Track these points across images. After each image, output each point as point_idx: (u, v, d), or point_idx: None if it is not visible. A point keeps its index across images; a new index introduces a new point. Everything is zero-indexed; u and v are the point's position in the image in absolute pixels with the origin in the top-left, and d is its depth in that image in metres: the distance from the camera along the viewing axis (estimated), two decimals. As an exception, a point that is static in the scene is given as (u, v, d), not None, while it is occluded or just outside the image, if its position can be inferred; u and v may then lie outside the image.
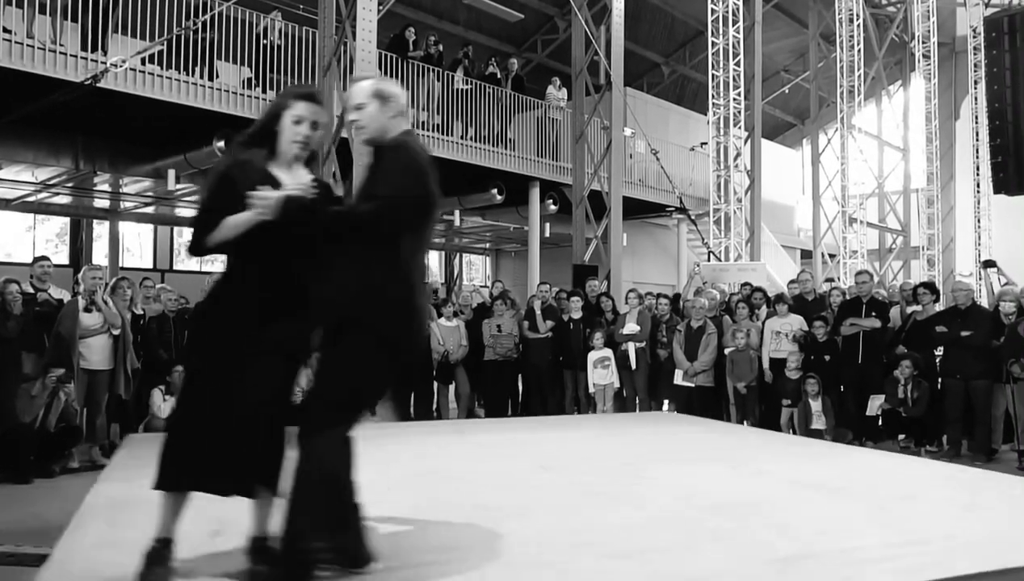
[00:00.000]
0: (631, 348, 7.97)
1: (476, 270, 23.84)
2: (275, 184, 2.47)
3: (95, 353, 6.37)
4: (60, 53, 8.09)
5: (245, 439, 2.42)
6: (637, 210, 15.29)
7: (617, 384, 7.97)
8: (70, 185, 12.00)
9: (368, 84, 2.59)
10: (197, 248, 2.49)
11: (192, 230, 2.51)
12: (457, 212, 14.21)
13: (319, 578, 2.38)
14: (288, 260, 2.49)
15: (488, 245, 22.07)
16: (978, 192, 18.42)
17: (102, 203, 14.16)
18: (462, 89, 12.49)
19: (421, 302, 2.58)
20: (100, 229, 15.76)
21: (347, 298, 2.44)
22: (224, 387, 2.42)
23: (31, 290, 6.40)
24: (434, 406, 8.25)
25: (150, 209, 14.70)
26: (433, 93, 12.02)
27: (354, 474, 2.46)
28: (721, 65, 13.24)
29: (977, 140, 17.86)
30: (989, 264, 12.47)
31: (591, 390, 7.97)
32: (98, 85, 7.64)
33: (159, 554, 2.41)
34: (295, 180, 2.53)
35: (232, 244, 2.44)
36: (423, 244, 2.64)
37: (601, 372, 7.91)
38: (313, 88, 2.86)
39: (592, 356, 7.96)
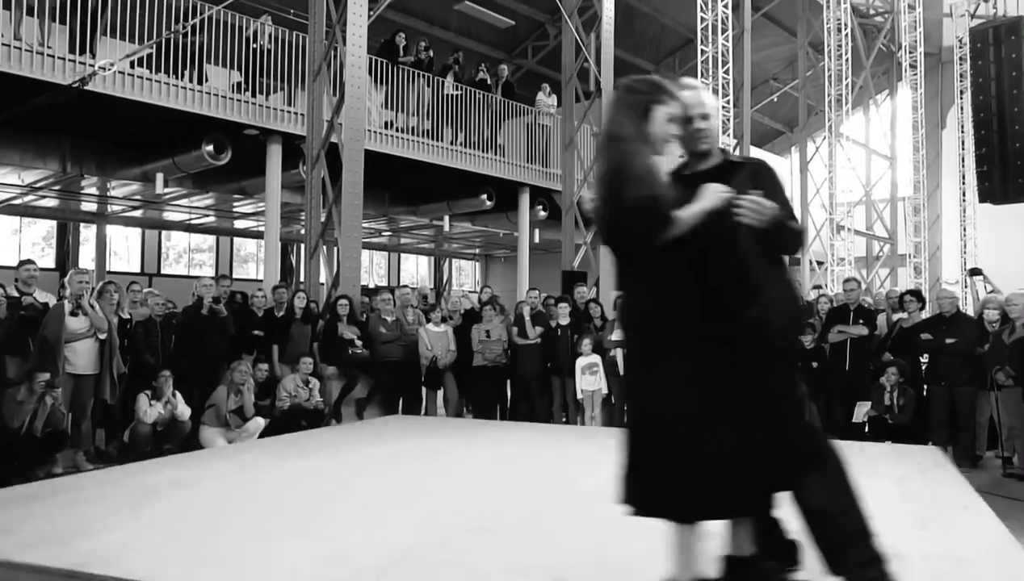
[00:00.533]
0: (619, 354, 7.97)
1: (466, 275, 23.88)
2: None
3: (81, 357, 6.31)
4: (48, 55, 8.04)
5: (752, 457, 2.20)
6: (626, 216, 15.29)
7: (605, 390, 7.97)
8: (57, 188, 11.93)
9: (712, 98, 2.62)
10: (652, 241, 2.22)
11: (640, 223, 2.22)
12: (447, 217, 14.21)
13: None
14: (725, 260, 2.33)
15: (478, 250, 22.11)
16: (964, 201, 18.55)
17: (89, 206, 14.09)
18: (452, 95, 12.50)
19: None
20: (87, 233, 15.68)
21: (787, 316, 2.46)
22: (720, 399, 2.21)
23: (16, 294, 6.35)
24: (422, 411, 8.24)
25: (138, 213, 14.65)
26: (423, 99, 12.02)
27: None
28: (710, 73, 13.30)
29: (963, 149, 18.00)
30: (975, 272, 12.55)
31: (579, 396, 7.97)
32: (86, 88, 7.59)
33: None
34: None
35: (681, 241, 2.21)
36: None
37: (589, 378, 7.92)
38: (687, 80, 2.60)
39: (580, 362, 7.96)
